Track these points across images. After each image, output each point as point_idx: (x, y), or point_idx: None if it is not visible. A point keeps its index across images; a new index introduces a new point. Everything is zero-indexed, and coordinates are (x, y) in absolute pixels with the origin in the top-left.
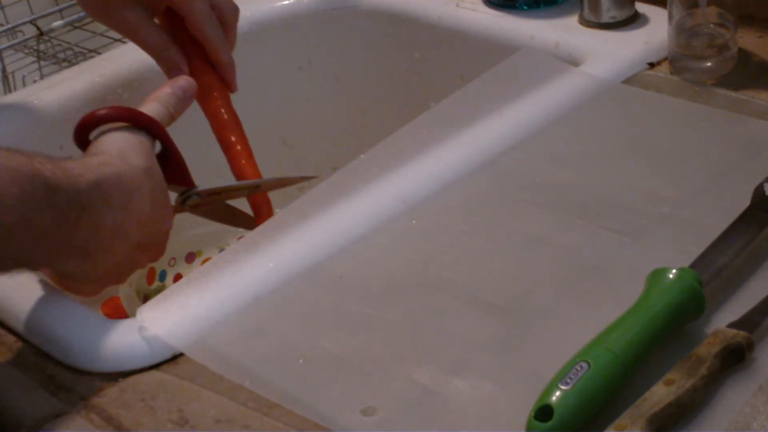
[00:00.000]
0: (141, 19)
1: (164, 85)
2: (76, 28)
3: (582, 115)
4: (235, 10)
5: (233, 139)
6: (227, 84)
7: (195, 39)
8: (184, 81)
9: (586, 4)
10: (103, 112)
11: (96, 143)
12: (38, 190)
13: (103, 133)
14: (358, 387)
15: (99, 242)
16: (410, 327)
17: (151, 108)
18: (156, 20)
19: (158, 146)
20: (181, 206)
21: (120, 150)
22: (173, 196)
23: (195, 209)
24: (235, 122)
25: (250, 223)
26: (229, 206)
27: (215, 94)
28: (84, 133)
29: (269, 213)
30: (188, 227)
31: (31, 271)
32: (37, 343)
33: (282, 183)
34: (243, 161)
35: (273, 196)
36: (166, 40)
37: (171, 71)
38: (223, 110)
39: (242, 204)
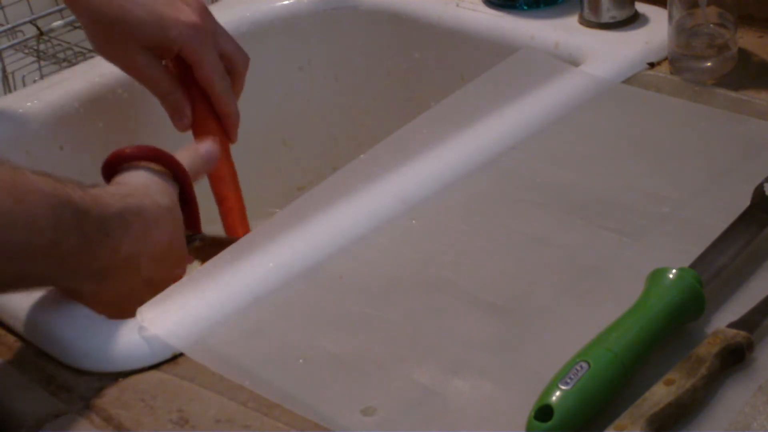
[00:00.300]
0: (150, 62)
1: (193, 144)
2: (76, 28)
3: (582, 115)
4: (246, 60)
5: (228, 193)
6: (228, 135)
7: (202, 88)
8: (210, 144)
9: (586, 4)
10: (130, 150)
11: (122, 175)
12: (68, 215)
13: (131, 168)
14: (358, 387)
15: (112, 269)
16: (410, 327)
17: (180, 155)
18: (164, 61)
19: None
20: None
21: (145, 185)
22: None
23: (194, 252)
24: (231, 175)
25: None
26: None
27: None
28: (111, 169)
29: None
30: None
31: (45, 288)
32: (37, 343)
33: None
34: (236, 219)
35: (272, 196)
36: (172, 83)
37: (174, 114)
38: (221, 162)
39: None
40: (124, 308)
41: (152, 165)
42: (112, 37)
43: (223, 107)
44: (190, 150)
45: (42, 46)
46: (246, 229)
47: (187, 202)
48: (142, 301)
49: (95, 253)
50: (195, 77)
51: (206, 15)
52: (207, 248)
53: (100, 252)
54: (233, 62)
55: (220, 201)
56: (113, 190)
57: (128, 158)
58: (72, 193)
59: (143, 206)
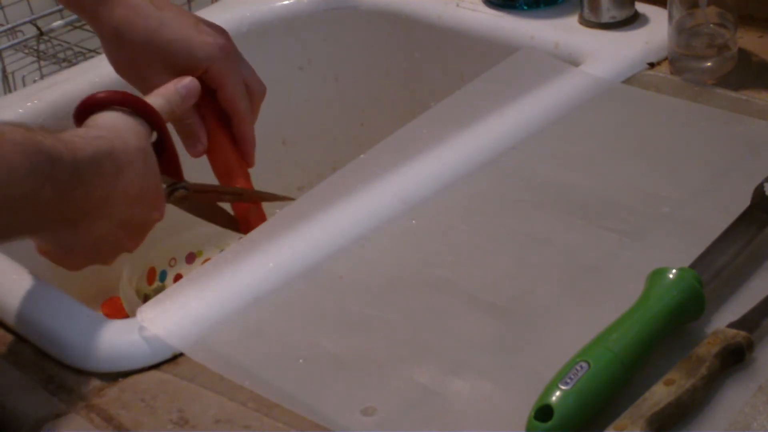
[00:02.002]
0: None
1: (169, 83)
2: (76, 28)
3: (582, 115)
4: (263, 90)
5: (249, 217)
6: (246, 159)
7: (217, 113)
8: (189, 80)
9: (586, 4)
10: (103, 94)
11: (93, 118)
12: (42, 163)
13: (101, 112)
14: (358, 387)
15: (86, 214)
16: (410, 327)
17: (152, 100)
18: None
19: (154, 137)
20: (168, 197)
21: (116, 127)
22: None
23: (180, 202)
24: (257, 207)
25: (231, 223)
26: (212, 204)
27: (236, 171)
28: (83, 115)
29: (260, 219)
30: (188, 227)
31: (22, 239)
32: (37, 343)
33: (262, 197)
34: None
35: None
36: (189, 109)
37: (189, 139)
38: (236, 182)
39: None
40: (104, 254)
41: (123, 109)
42: (135, 60)
43: (244, 130)
44: (167, 88)
45: (42, 46)
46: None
47: (164, 147)
48: (119, 245)
49: (69, 199)
50: (211, 104)
51: (230, 39)
52: (192, 196)
53: (74, 197)
54: (251, 90)
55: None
56: (83, 132)
57: (100, 102)
58: (44, 140)
59: (114, 147)
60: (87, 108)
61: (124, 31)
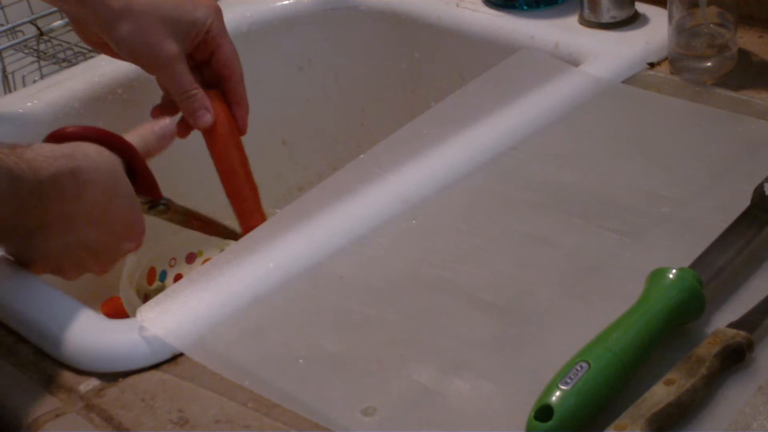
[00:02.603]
0: (179, 53)
1: (147, 124)
2: None
3: (582, 115)
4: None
5: (241, 187)
6: (241, 124)
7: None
8: (166, 122)
9: (586, 4)
10: (73, 129)
11: (63, 145)
12: (4, 182)
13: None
14: (358, 387)
15: (42, 228)
16: (410, 327)
17: (130, 135)
18: None
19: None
20: (149, 210)
21: (84, 151)
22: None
23: (161, 215)
24: (243, 166)
25: (212, 228)
26: (194, 213)
27: (228, 136)
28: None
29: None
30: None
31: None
32: (37, 343)
33: (225, 233)
34: (250, 211)
35: (272, 196)
36: (194, 79)
37: (198, 110)
38: (233, 155)
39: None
40: (61, 268)
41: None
42: (144, 29)
43: (240, 93)
44: (144, 127)
45: (42, 46)
46: (262, 218)
47: (138, 174)
48: (80, 264)
49: (28, 216)
50: (216, 60)
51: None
52: (172, 211)
53: (32, 213)
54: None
55: (233, 195)
56: (47, 151)
57: (71, 137)
58: (6, 159)
59: (77, 168)
60: (56, 140)
61: (132, 2)
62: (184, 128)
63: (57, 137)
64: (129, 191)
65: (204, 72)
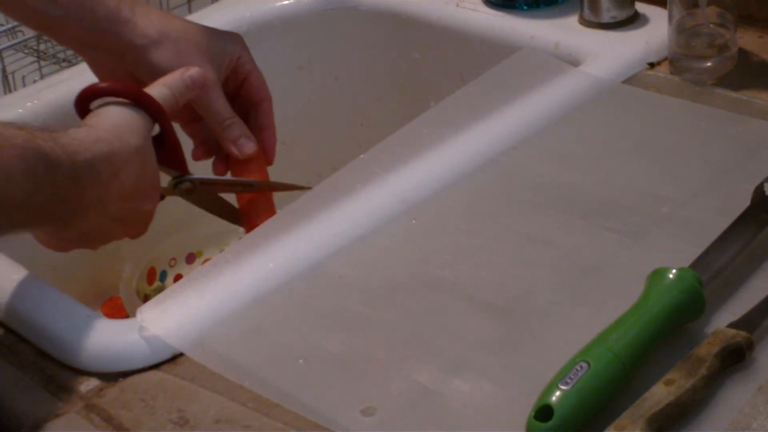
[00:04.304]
0: (216, 80)
1: (174, 72)
2: None
3: (582, 115)
4: None
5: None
6: (268, 152)
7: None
8: (195, 71)
9: (586, 4)
10: (104, 84)
11: (94, 114)
12: (41, 167)
13: (104, 104)
14: (358, 387)
15: (78, 212)
16: (410, 327)
17: (156, 91)
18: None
19: (157, 128)
20: (173, 189)
21: (115, 126)
22: (166, 179)
23: (185, 194)
24: (266, 199)
25: (236, 216)
26: (218, 197)
27: (254, 165)
28: (84, 104)
29: (269, 211)
30: (188, 227)
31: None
32: (37, 343)
33: (276, 187)
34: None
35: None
36: (231, 108)
37: (241, 137)
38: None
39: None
40: (94, 243)
41: (124, 100)
42: (181, 52)
43: (271, 120)
44: (173, 76)
45: (42, 46)
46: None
47: (165, 139)
48: (110, 235)
49: (64, 200)
50: (247, 87)
51: None
52: (199, 188)
53: (69, 198)
54: None
55: (248, 218)
56: (82, 135)
57: (101, 92)
58: (43, 144)
59: (112, 151)
60: (88, 97)
61: (167, 29)
62: (221, 166)
63: (89, 93)
64: (154, 162)
65: (233, 103)
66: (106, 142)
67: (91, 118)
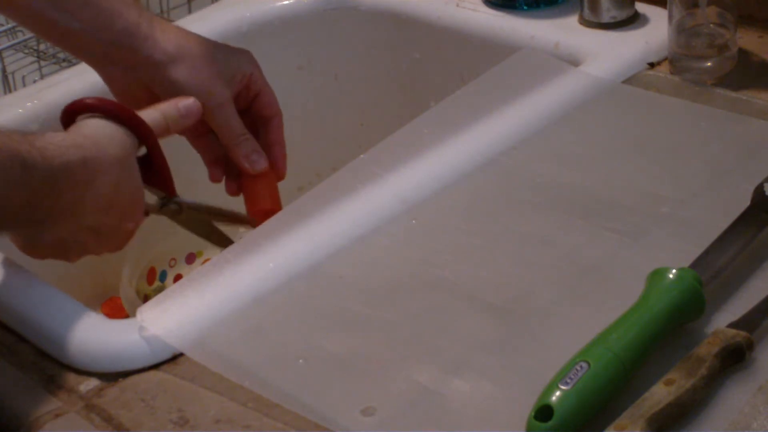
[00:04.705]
0: (230, 97)
1: (171, 100)
2: None
3: (582, 115)
4: None
5: None
6: (279, 167)
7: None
8: (190, 101)
9: (586, 4)
10: (91, 100)
11: (78, 124)
12: (16, 170)
13: (87, 117)
14: (358, 387)
15: (52, 216)
16: (410, 327)
17: (147, 113)
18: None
19: (143, 150)
20: (160, 209)
21: (96, 137)
22: (153, 199)
23: (173, 216)
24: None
25: (224, 242)
26: (208, 223)
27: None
28: (71, 118)
29: (275, 205)
30: None
31: None
32: (37, 343)
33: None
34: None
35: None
36: (243, 125)
37: (253, 154)
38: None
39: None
40: (68, 254)
41: (109, 118)
42: (196, 68)
43: (281, 136)
44: (168, 103)
45: (42, 46)
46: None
47: (153, 161)
48: (84, 248)
49: (39, 204)
50: (259, 104)
51: None
52: (186, 212)
53: (44, 202)
54: None
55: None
56: (59, 140)
57: (88, 109)
58: (19, 147)
59: (88, 156)
60: (75, 111)
61: (184, 46)
62: (233, 186)
63: (76, 108)
64: (136, 177)
65: (244, 119)
66: (83, 148)
67: (73, 127)
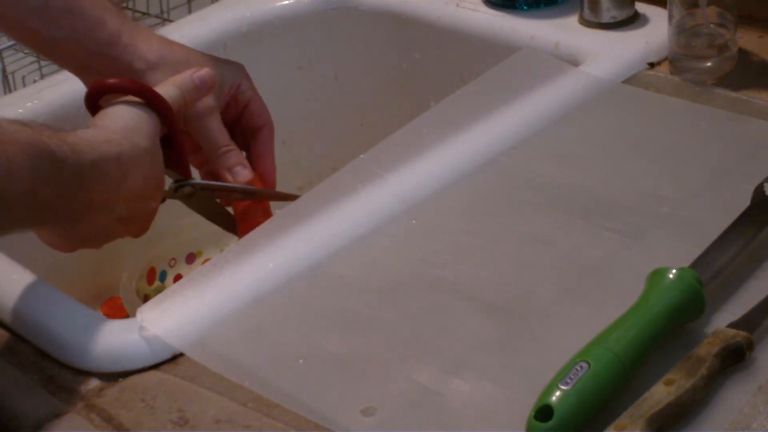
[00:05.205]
0: (215, 107)
1: (184, 72)
2: None
3: (582, 115)
4: None
5: None
6: (269, 177)
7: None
8: (205, 72)
9: (586, 4)
10: (114, 81)
11: (105, 113)
12: (46, 163)
13: (114, 103)
14: (358, 387)
15: (85, 213)
16: (410, 327)
17: (165, 90)
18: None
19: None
20: (174, 192)
21: (125, 127)
22: (167, 181)
23: (185, 199)
24: (263, 206)
25: (231, 224)
26: (217, 204)
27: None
28: (94, 100)
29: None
30: (188, 227)
31: (20, 233)
32: (37, 343)
33: (276, 196)
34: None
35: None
36: (229, 136)
37: (233, 168)
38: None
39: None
40: (100, 243)
41: (135, 99)
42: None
43: (271, 146)
44: (183, 76)
45: None
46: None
47: (173, 141)
48: (114, 234)
49: (69, 201)
50: (249, 113)
51: None
52: (199, 193)
53: (75, 198)
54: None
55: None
56: (91, 135)
57: (111, 89)
58: (49, 141)
59: (121, 152)
60: (98, 92)
61: (167, 54)
62: (227, 200)
63: (99, 88)
64: (161, 161)
65: (234, 131)
66: (116, 143)
67: (101, 118)
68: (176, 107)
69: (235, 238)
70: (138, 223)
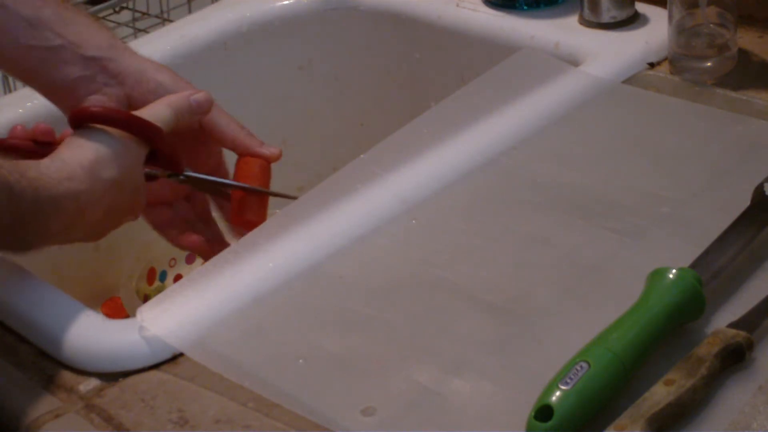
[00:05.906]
0: (212, 99)
1: (182, 93)
2: None
3: (582, 115)
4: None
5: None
6: (264, 155)
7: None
8: (202, 95)
9: (586, 4)
10: (97, 109)
11: (74, 143)
12: (3, 195)
13: (87, 130)
14: (358, 387)
15: (44, 239)
16: (410, 327)
17: (156, 110)
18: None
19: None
20: (168, 177)
21: (92, 160)
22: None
23: (181, 183)
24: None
25: (227, 198)
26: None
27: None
28: (78, 124)
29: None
30: None
31: None
32: (37, 343)
33: (270, 194)
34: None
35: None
36: None
37: (263, 145)
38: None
39: None
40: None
41: (113, 130)
42: (176, 77)
43: (223, 112)
44: (180, 97)
45: None
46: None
47: (162, 155)
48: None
49: (26, 230)
50: (216, 138)
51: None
52: (193, 181)
53: (31, 229)
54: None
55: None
56: (54, 171)
57: (94, 117)
58: (8, 176)
59: (80, 191)
60: (81, 119)
61: (147, 69)
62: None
63: (79, 116)
64: (135, 182)
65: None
66: (77, 180)
67: (68, 149)
68: (166, 129)
69: (235, 238)
70: (103, 235)
